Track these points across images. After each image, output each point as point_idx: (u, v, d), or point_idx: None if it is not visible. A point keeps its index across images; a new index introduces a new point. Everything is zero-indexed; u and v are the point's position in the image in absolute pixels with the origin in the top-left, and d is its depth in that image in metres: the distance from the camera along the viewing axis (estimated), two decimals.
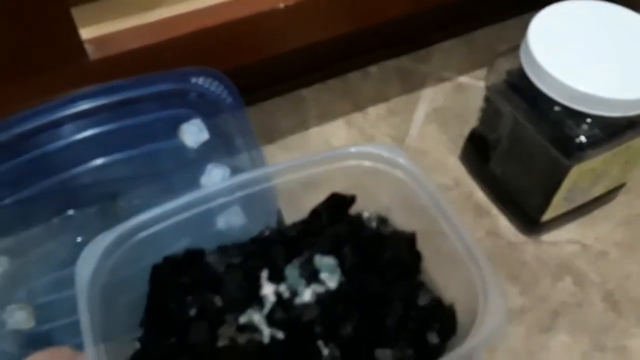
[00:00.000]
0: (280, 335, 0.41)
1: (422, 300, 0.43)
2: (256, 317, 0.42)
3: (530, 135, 0.44)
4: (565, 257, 0.49)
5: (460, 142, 0.56)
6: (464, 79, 0.61)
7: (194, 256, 0.45)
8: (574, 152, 0.41)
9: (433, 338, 0.41)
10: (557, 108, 0.41)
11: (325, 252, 0.44)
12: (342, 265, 0.44)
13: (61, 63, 0.38)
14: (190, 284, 0.43)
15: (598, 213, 0.52)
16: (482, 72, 0.56)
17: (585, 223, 0.51)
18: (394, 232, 0.47)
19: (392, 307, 0.42)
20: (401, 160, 0.43)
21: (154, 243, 0.42)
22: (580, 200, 0.48)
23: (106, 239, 0.40)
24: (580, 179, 0.43)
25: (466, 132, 0.55)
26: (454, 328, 0.42)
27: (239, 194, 0.44)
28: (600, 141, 0.41)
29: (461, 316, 0.42)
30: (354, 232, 0.46)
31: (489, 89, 0.47)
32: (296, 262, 0.44)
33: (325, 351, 0.40)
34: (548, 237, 0.51)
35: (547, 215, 0.47)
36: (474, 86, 0.60)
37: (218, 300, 0.43)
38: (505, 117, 0.47)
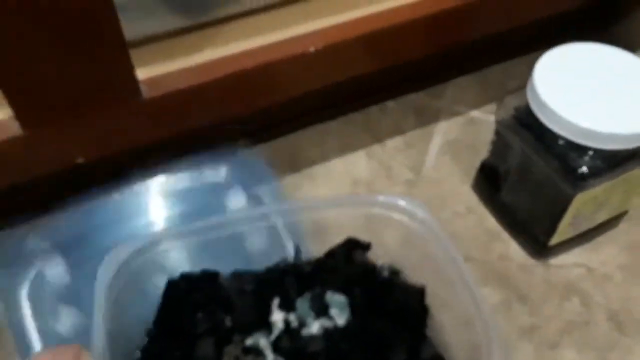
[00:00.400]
0: None
1: (425, 354, 0.44)
2: (262, 341, 0.43)
3: (537, 166, 0.48)
4: (572, 279, 0.52)
5: (472, 172, 0.59)
6: (475, 113, 0.64)
7: (209, 277, 0.47)
8: (577, 182, 0.45)
9: None
10: (561, 142, 0.44)
11: (337, 289, 0.46)
12: (352, 305, 0.45)
13: (119, 101, 0.43)
14: (202, 301, 0.45)
15: (602, 239, 0.55)
16: (492, 107, 0.61)
17: (590, 248, 0.54)
18: (404, 284, 0.48)
19: (396, 354, 0.43)
20: (420, 214, 0.45)
21: (172, 259, 0.44)
22: (585, 226, 0.51)
23: (130, 247, 0.42)
24: (584, 207, 0.46)
25: (478, 163, 0.58)
26: None
27: (260, 224, 0.46)
28: (601, 172, 0.44)
29: None
30: (366, 277, 0.48)
31: (498, 123, 0.51)
32: (308, 295, 0.45)
33: None
34: (556, 260, 0.54)
35: (554, 240, 0.51)
36: (484, 120, 0.64)
37: (228, 321, 0.44)
38: (514, 150, 0.50)
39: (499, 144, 0.53)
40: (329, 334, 0.43)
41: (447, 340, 0.45)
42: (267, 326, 0.44)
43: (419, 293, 0.47)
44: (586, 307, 0.50)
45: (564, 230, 0.49)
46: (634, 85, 0.45)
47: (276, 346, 0.43)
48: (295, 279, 0.46)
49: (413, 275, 0.48)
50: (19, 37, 0.37)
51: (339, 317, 0.45)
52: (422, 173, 0.62)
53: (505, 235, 0.56)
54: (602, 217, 0.51)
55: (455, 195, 0.60)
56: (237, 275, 0.47)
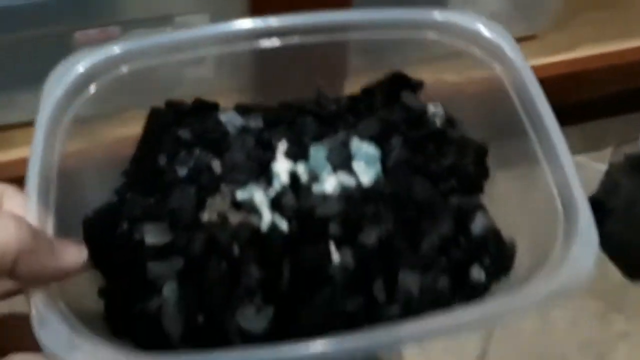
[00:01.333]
0: (284, 225, 0.31)
1: (477, 227, 0.32)
2: (258, 195, 0.31)
3: None
4: None
5: None
6: (577, 158, 0.73)
7: (204, 108, 0.35)
8: None
9: (478, 274, 0.31)
10: None
11: (368, 137, 0.34)
12: (385, 158, 0.33)
13: None
14: (190, 139, 0.34)
15: None
16: (591, 155, 0.73)
17: None
18: (462, 137, 0.36)
19: (437, 224, 0.31)
20: (506, 49, 0.33)
21: (158, 79, 0.34)
22: None
23: (93, 56, 0.31)
24: None
25: None
26: (508, 268, 0.32)
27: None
28: None
29: (524, 257, 0.32)
30: (410, 124, 0.35)
31: (611, 165, 0.62)
32: (327, 141, 0.33)
33: (337, 257, 0.30)
34: None
35: None
36: (584, 164, 0.74)
37: (217, 166, 0.33)
38: (623, 188, 0.59)
39: (608, 183, 0.63)
40: (347, 194, 0.32)
41: (507, 212, 0.34)
42: (267, 177, 0.33)
43: (480, 150, 0.35)
44: None
45: None
46: None
47: (276, 204, 0.31)
48: (313, 119, 0.35)
49: (475, 128, 0.36)
50: None
51: (365, 173, 0.32)
52: None
53: (604, 258, 0.65)
54: None
55: None
56: (242, 109, 0.36)
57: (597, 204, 0.62)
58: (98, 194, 0.33)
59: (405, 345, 0.38)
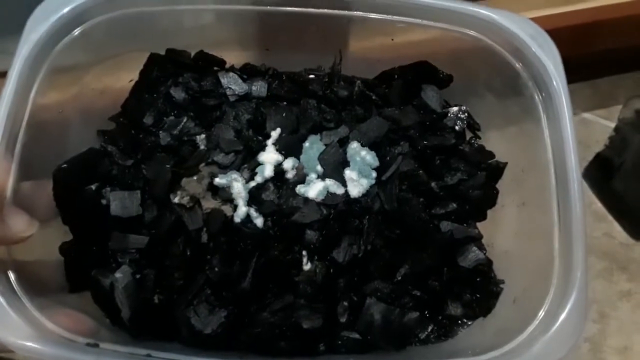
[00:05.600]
0: (258, 221, 0.28)
1: (468, 260, 0.28)
2: (237, 185, 0.28)
3: None
4: None
5: (583, 163, 0.64)
6: (586, 115, 0.71)
7: (206, 62, 0.31)
8: None
9: (455, 309, 0.28)
10: None
11: (369, 142, 0.29)
12: (381, 167, 0.29)
13: None
14: (182, 101, 0.29)
15: None
16: (601, 112, 0.69)
17: None
18: (479, 149, 0.30)
19: (422, 253, 0.28)
20: (551, 70, 0.29)
21: (155, 28, 0.29)
22: None
23: None
24: None
25: (587, 155, 0.64)
26: (489, 308, 0.28)
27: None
28: None
29: (509, 304, 0.28)
30: (424, 127, 0.30)
31: (620, 120, 0.57)
32: (325, 135, 0.29)
33: (307, 266, 0.28)
34: None
35: None
36: (593, 121, 0.70)
37: (202, 141, 0.29)
38: (632, 144, 0.55)
39: (617, 139, 0.59)
40: (330, 204, 0.28)
41: (507, 249, 0.29)
42: (251, 166, 0.29)
43: (496, 170, 0.30)
44: None
45: None
46: None
47: (254, 197, 0.28)
48: (317, 104, 0.30)
49: (496, 143, 0.31)
50: None
51: (355, 184, 0.28)
52: None
53: (610, 218, 0.63)
54: None
55: None
56: (249, 70, 0.31)
57: (605, 161, 0.61)
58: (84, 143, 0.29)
59: None
